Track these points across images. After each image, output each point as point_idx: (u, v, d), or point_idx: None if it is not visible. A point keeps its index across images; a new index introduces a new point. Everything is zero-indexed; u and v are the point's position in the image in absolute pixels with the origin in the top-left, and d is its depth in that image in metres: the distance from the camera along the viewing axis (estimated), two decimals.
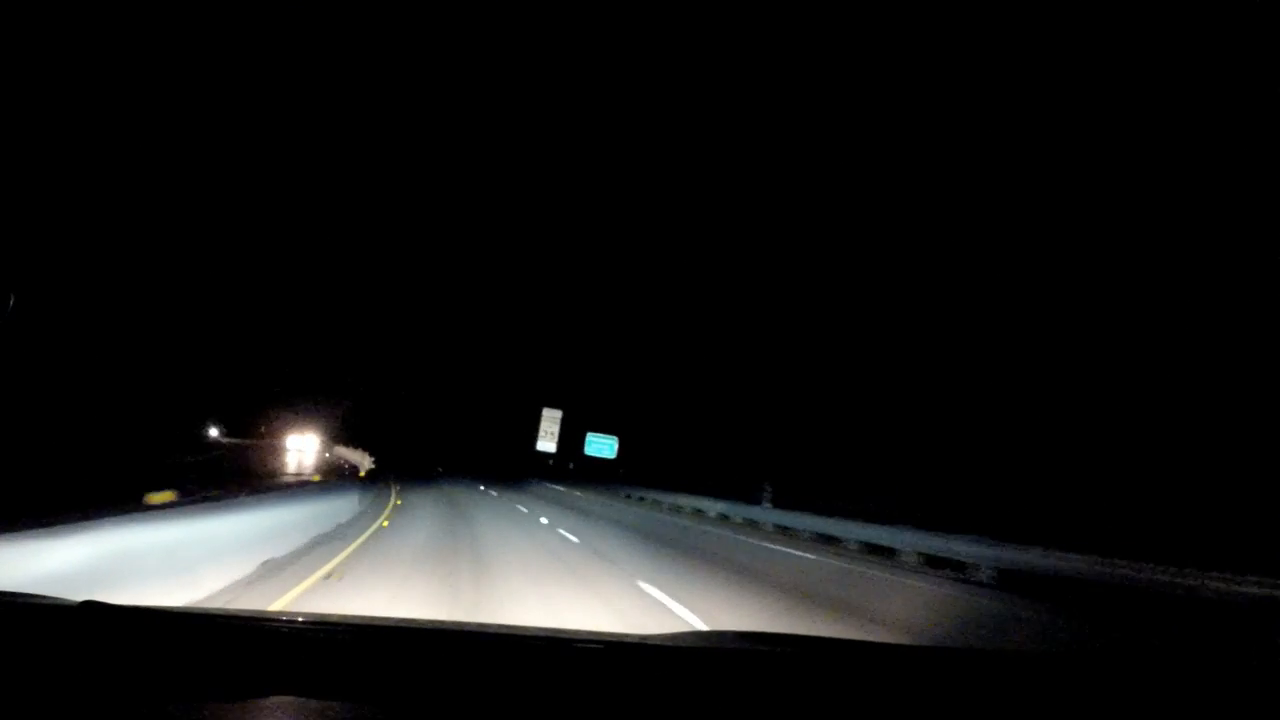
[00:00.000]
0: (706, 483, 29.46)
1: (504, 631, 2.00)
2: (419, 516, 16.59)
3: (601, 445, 46.12)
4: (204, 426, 51.76)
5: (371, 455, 40.75)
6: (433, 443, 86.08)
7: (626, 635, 1.92)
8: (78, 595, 1.74)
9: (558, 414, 51.28)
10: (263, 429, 70.89)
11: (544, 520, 17.54)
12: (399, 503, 20.02)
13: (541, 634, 1.95)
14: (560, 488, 37.48)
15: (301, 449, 51.33)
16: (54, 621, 1.63)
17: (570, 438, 50.54)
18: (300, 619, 1.86)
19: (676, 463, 37.93)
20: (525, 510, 20.79)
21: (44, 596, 1.79)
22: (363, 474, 28.34)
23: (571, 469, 48.95)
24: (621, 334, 57.06)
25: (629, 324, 56.88)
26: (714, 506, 24.03)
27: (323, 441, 53.73)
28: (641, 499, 30.92)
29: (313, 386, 67.15)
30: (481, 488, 31.50)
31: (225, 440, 54.93)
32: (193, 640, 1.60)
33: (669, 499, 28.35)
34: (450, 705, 1.42)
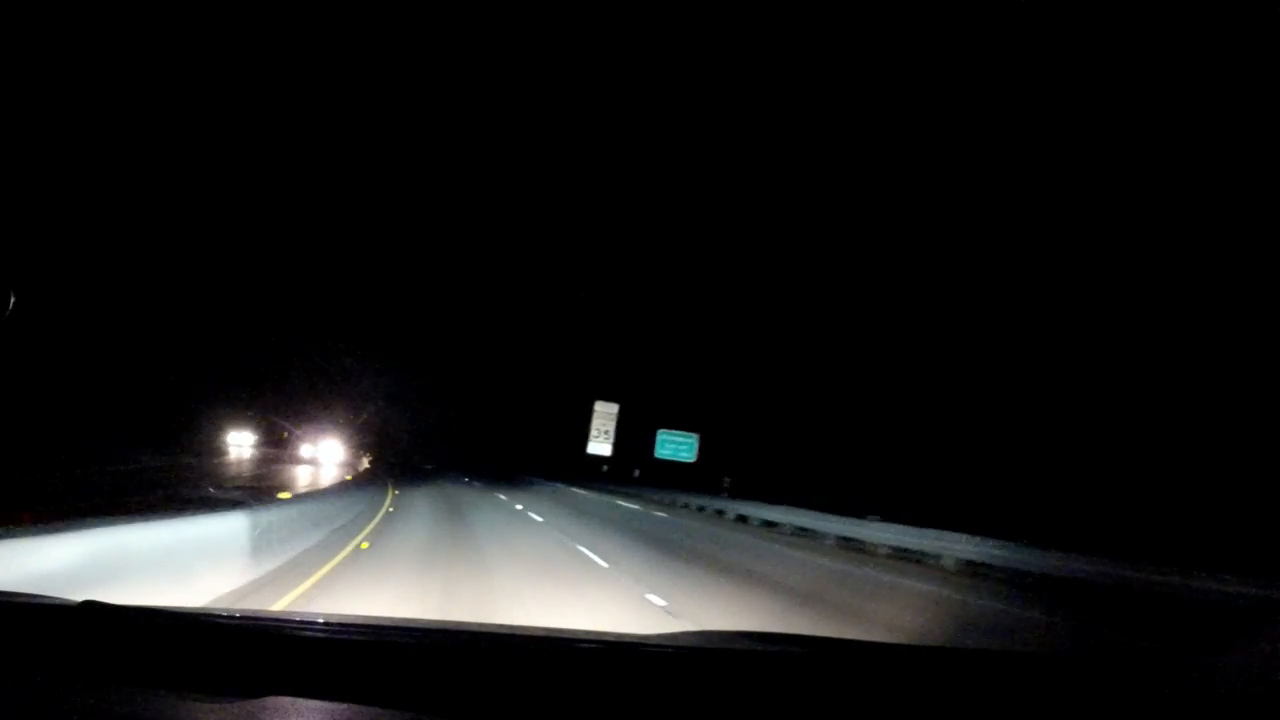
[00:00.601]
0: (863, 502, 19.05)
1: (504, 631, 2.00)
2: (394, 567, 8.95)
3: (677, 445, 35.65)
4: (198, 428, 43.44)
5: (370, 457, 34.64)
6: (470, 444, 77.43)
7: (626, 635, 1.88)
8: None
9: (613, 409, 40.98)
10: (284, 435, 65.62)
11: (658, 601, 7.40)
12: (365, 546, 10.61)
13: (542, 634, 1.92)
14: (633, 505, 26.71)
15: (316, 458, 43.46)
16: (54, 621, 1.65)
17: (634, 436, 40.40)
18: (301, 619, 1.92)
19: (790, 470, 27.74)
20: (603, 563, 10.59)
21: (44, 596, 1.82)
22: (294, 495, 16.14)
23: (637, 476, 37.81)
24: (699, 301, 46.80)
25: (711, 286, 46.75)
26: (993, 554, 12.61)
27: (350, 449, 46.75)
28: (770, 525, 19.63)
29: (341, 391, 59.04)
30: (519, 506, 20.82)
31: (250, 450, 49.42)
32: (193, 640, 1.62)
33: (825, 526, 17.30)
34: (451, 705, 1.39)
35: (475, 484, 33.64)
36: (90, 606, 1.62)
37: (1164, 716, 1.47)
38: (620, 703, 1.44)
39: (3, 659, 1.43)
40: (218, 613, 2.07)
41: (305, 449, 47.95)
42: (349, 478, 25.11)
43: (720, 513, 23.66)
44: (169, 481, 19.93)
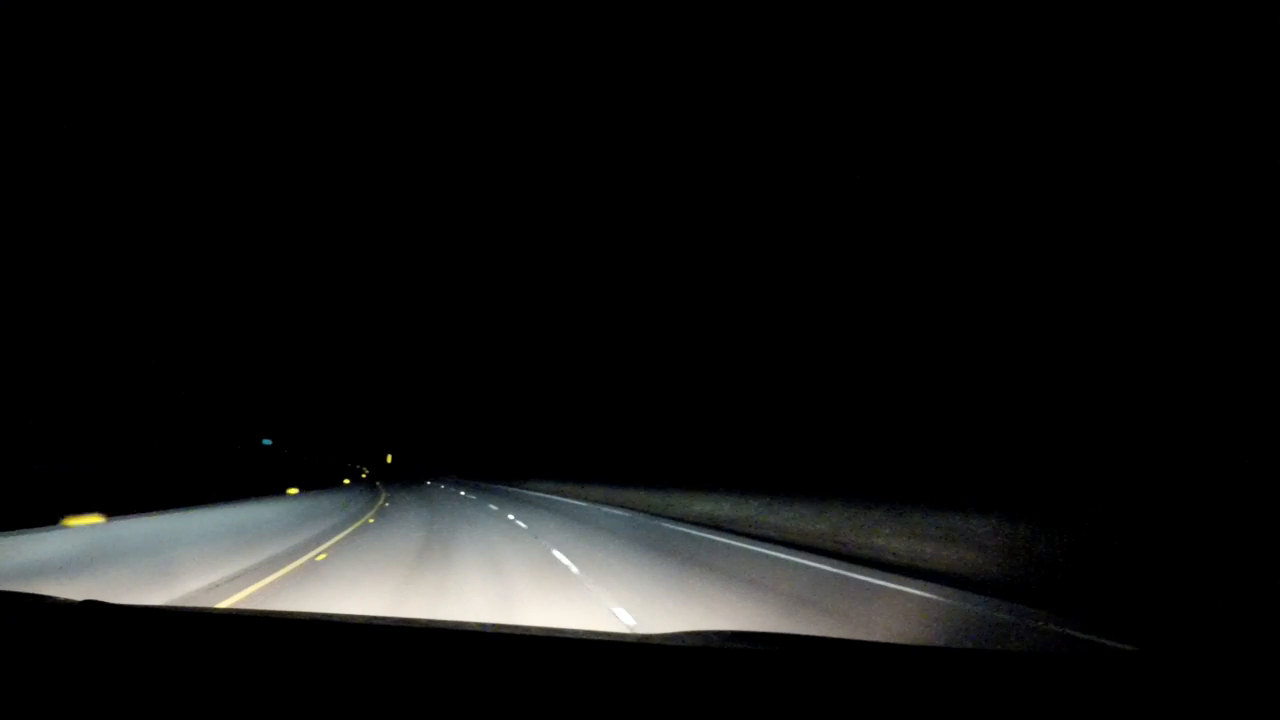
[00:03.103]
0: None
1: (503, 631, 1.93)
2: None
3: None
4: None
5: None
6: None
7: (625, 635, 1.87)
8: None
9: None
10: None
11: None
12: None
13: (541, 633, 1.89)
14: None
15: None
16: (55, 620, 1.66)
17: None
18: (301, 618, 1.91)
19: None
20: None
21: (45, 596, 1.84)
22: None
23: None
24: None
25: None
26: None
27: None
28: None
29: None
30: None
31: None
32: (193, 639, 1.62)
33: None
34: (450, 704, 1.37)
35: None
36: (91, 606, 1.67)
37: (1160, 714, 1.43)
38: (619, 703, 1.39)
39: (3, 659, 1.43)
40: (217, 612, 2.09)
41: None
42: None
43: None
44: None
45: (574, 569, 9.70)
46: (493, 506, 25.84)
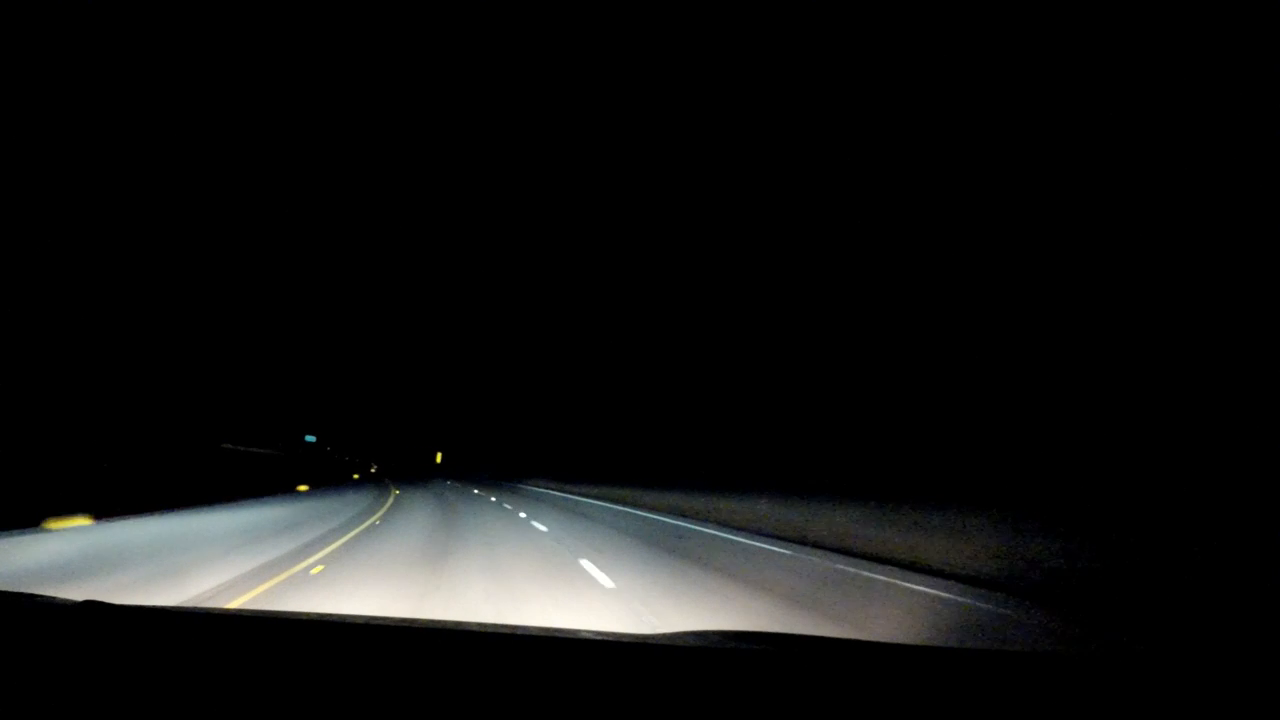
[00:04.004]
0: None
1: (504, 631, 1.98)
2: None
3: None
4: None
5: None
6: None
7: (626, 635, 1.87)
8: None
9: None
10: None
11: None
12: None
13: (541, 633, 1.94)
14: None
15: None
16: (55, 620, 1.69)
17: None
18: (301, 618, 1.95)
19: None
20: None
21: (45, 596, 1.88)
22: None
23: None
24: None
25: None
26: None
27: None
28: None
29: None
30: None
31: None
32: (193, 639, 1.65)
33: None
34: (451, 704, 1.38)
35: None
36: (90, 606, 1.70)
37: (1162, 715, 1.44)
38: (620, 703, 1.41)
39: (3, 659, 1.46)
40: (218, 612, 2.12)
41: None
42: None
43: None
44: None
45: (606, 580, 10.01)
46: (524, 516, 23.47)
